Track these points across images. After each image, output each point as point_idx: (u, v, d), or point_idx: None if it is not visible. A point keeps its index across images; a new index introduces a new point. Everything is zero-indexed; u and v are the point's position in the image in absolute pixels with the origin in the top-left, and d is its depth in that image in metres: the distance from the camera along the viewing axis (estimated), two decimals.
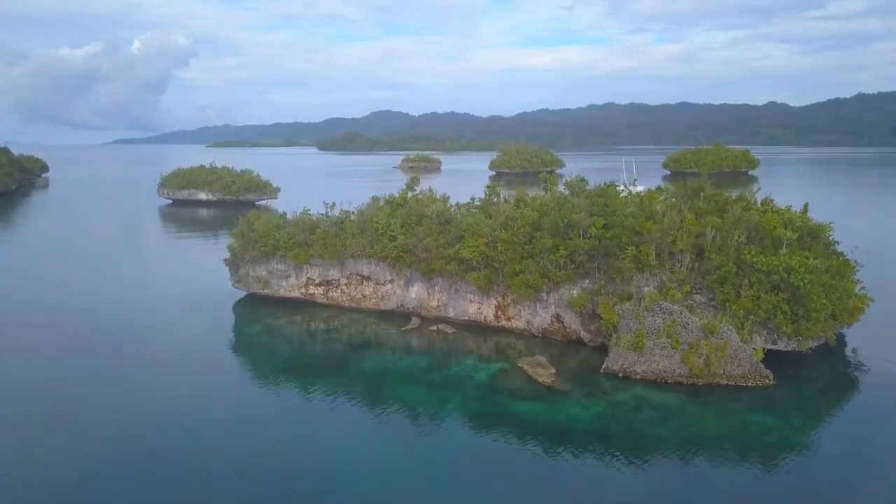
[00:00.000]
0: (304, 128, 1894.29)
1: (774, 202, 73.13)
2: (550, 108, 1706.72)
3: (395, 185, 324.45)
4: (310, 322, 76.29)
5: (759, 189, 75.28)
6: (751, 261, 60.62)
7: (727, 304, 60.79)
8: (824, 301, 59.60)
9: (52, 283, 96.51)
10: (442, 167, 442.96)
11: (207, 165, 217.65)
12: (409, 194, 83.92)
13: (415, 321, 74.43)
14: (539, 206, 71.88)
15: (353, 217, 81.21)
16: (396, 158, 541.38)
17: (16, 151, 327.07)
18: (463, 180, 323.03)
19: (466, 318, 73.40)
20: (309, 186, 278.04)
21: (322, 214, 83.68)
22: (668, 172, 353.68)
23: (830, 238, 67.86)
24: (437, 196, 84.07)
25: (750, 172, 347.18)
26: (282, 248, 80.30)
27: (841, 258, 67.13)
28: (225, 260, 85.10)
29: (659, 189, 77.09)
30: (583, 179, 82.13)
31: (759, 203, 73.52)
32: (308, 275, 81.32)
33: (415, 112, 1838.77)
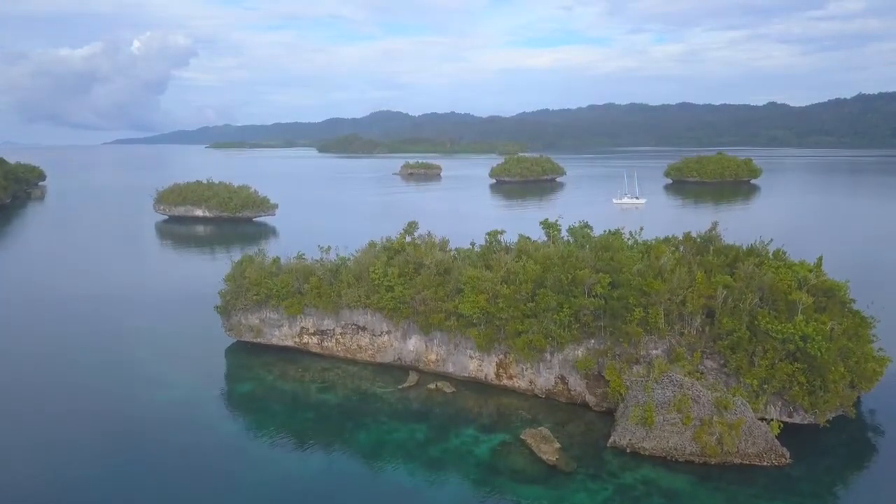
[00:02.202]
0: (304, 128, 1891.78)
1: (787, 255, 70.05)
2: (551, 109, 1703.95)
3: (394, 195, 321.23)
4: (303, 376, 73.28)
5: (771, 241, 71.92)
6: (765, 327, 57.78)
7: (740, 373, 57.97)
8: (842, 370, 56.77)
9: (40, 320, 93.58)
10: (442, 173, 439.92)
11: (205, 181, 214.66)
12: (407, 238, 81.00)
13: (412, 377, 71.54)
14: (542, 260, 68.93)
15: (349, 263, 78.19)
16: (396, 163, 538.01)
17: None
18: (464, 192, 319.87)
19: (466, 375, 70.50)
20: (307, 199, 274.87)
21: (317, 260, 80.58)
22: (670, 181, 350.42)
23: (847, 296, 64.79)
24: (436, 240, 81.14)
25: (752, 182, 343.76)
26: (275, 298, 77.32)
27: (858, 316, 64.19)
28: (216, 307, 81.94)
29: (667, 240, 73.95)
30: (586, 226, 79.06)
31: (770, 254, 70.58)
32: (302, 324, 78.40)
33: (415, 112, 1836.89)
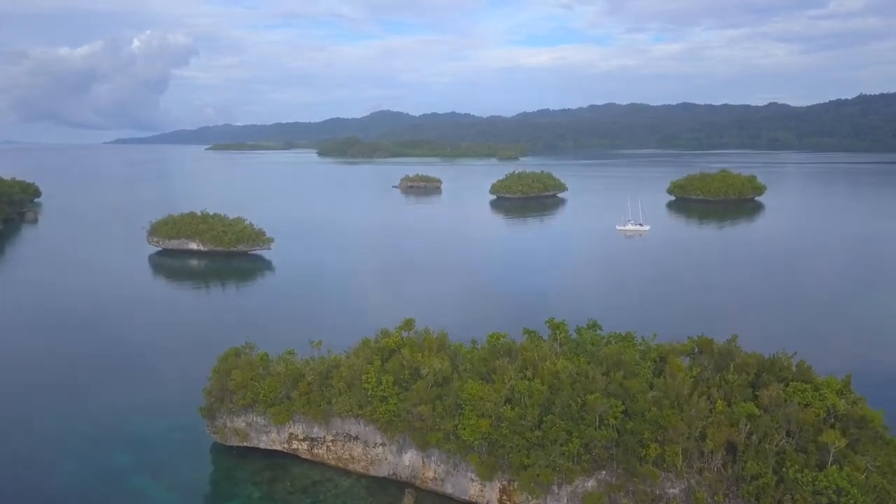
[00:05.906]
0: (304, 128, 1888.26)
1: (813, 369, 64.83)
2: (551, 109, 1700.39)
3: (394, 217, 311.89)
4: (291, 493, 68.20)
5: (795, 353, 66.74)
6: (793, 476, 52.69)
7: None
8: None
9: (12, 404, 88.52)
10: (442, 186, 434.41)
11: (199, 213, 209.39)
12: (404, 335, 75.91)
13: (408, 498, 66.47)
14: (549, 378, 63.73)
15: (340, 368, 72.85)
16: (396, 170, 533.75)
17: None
18: (466, 222, 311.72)
19: (467, 499, 65.42)
20: (304, 223, 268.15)
21: (306, 360, 75.37)
22: (673, 198, 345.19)
23: (882, 425, 59.51)
24: (434, 334, 76.00)
25: (757, 199, 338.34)
26: (262, 403, 72.26)
27: (891, 445, 58.97)
28: (200, 409, 76.75)
29: (683, 346, 68.82)
30: (595, 325, 73.90)
31: (794, 366, 65.47)
32: (291, 430, 73.33)
33: (415, 112, 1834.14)
